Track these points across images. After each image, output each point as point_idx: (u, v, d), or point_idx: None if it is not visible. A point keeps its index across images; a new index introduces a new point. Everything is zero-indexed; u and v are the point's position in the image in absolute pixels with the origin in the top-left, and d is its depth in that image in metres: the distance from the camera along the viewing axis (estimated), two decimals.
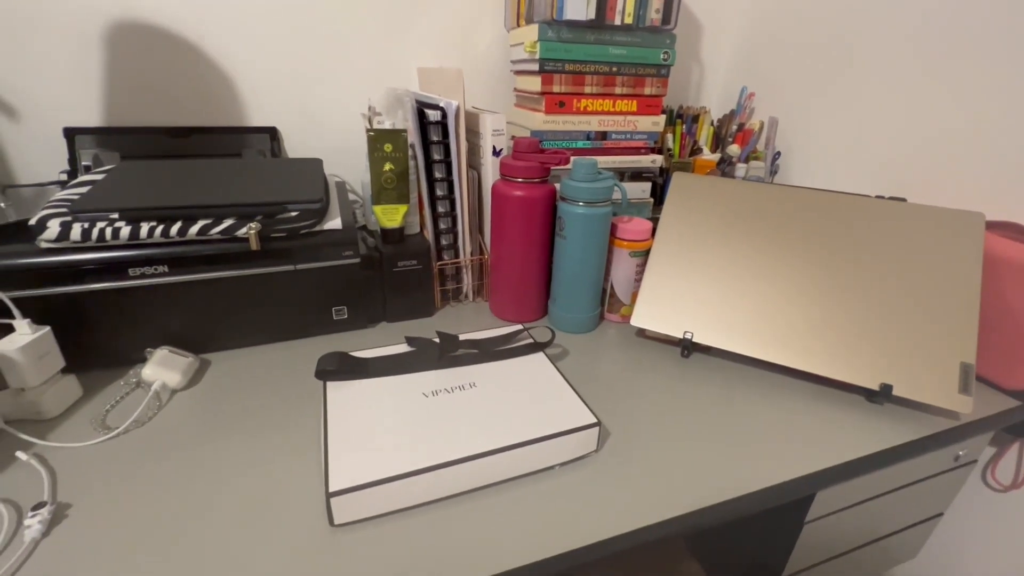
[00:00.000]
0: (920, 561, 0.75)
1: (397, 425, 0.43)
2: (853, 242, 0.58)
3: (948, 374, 0.51)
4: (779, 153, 0.90)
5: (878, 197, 0.59)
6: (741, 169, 0.86)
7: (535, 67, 0.71)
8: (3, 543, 0.35)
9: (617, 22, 0.70)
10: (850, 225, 0.59)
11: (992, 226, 0.61)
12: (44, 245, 0.48)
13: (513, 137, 0.67)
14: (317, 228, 0.57)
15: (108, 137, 0.70)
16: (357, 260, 0.60)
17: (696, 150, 0.91)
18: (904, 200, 0.59)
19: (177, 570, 0.34)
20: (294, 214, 0.56)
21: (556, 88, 0.72)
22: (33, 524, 0.36)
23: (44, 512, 0.36)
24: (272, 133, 0.78)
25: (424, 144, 0.64)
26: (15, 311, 0.45)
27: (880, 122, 0.76)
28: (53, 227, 0.48)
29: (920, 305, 0.54)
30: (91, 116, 0.70)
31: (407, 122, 0.63)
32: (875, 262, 0.56)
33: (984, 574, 0.69)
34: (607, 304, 0.70)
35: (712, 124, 0.92)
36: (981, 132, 0.65)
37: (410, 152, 0.63)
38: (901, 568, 0.77)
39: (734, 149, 0.86)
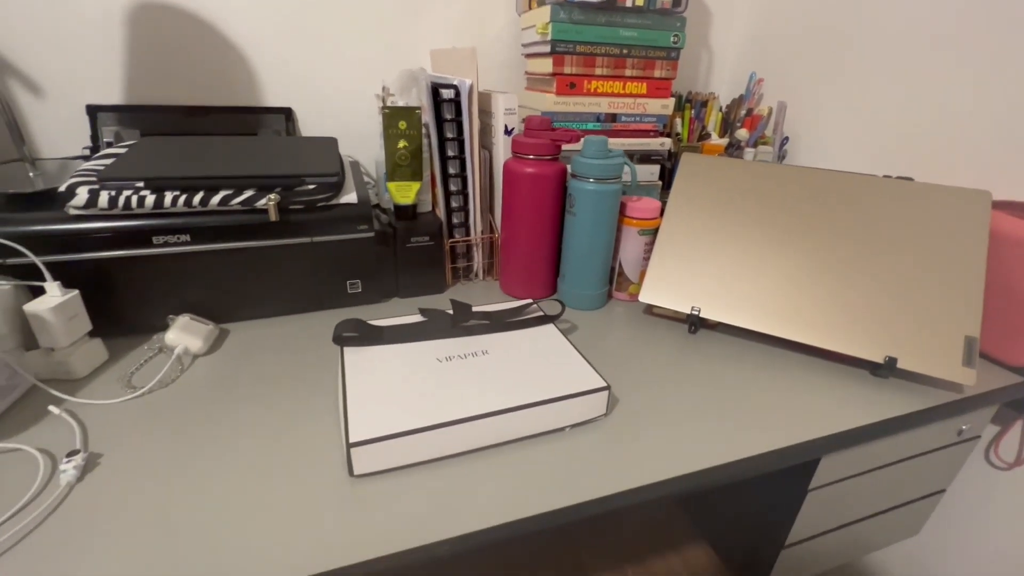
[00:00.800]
0: (921, 539, 0.76)
1: (413, 385, 0.44)
2: (859, 219, 0.59)
3: (952, 347, 0.52)
4: (787, 138, 0.91)
5: (885, 177, 0.60)
6: (749, 154, 0.87)
7: (546, 49, 0.72)
8: (40, 486, 0.37)
9: (628, 4, 0.71)
10: (856, 203, 0.59)
11: (999, 206, 0.62)
12: (73, 212, 0.50)
13: (524, 119, 0.68)
14: (333, 202, 0.59)
15: (129, 115, 0.72)
16: (372, 234, 0.61)
17: (704, 135, 0.91)
18: (911, 179, 0.59)
19: (204, 515, 0.36)
20: (311, 187, 0.57)
21: (567, 69, 0.73)
22: (68, 469, 0.37)
23: (78, 459, 0.38)
24: (287, 114, 0.80)
25: (437, 122, 0.65)
26: (46, 274, 0.47)
27: (888, 106, 0.77)
28: (82, 194, 0.49)
29: (926, 280, 0.54)
30: (113, 94, 0.72)
31: (421, 100, 0.65)
32: (881, 239, 0.57)
33: (986, 554, 0.70)
34: (615, 283, 0.71)
35: (720, 110, 0.92)
36: (989, 113, 0.65)
37: (424, 131, 0.65)
38: (903, 545, 0.78)
39: (742, 134, 0.87)
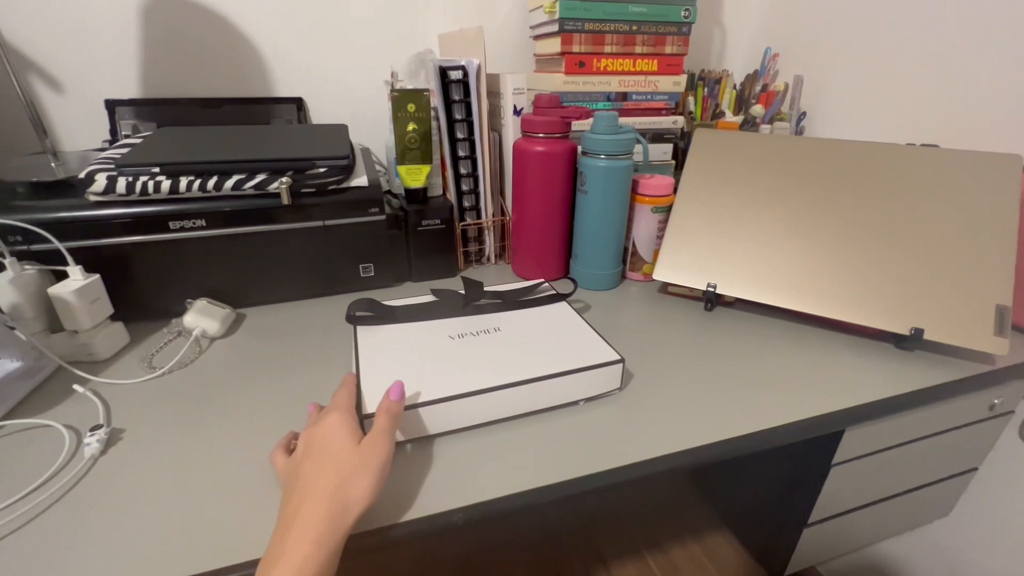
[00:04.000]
0: (953, 519, 0.73)
1: (425, 361, 0.44)
2: (881, 189, 0.57)
3: (983, 317, 0.50)
4: (804, 113, 0.89)
5: (908, 145, 0.58)
6: (765, 130, 0.85)
7: (554, 28, 0.72)
8: (65, 459, 0.38)
9: None
10: (878, 172, 0.57)
11: None
12: (92, 198, 0.51)
13: (533, 99, 0.67)
14: (344, 185, 0.59)
15: (145, 108, 0.73)
16: (383, 217, 0.61)
17: (718, 113, 0.89)
18: (936, 146, 0.57)
19: (222, 485, 0.36)
20: (322, 170, 0.58)
21: (576, 48, 0.72)
22: (92, 442, 0.38)
23: (101, 432, 0.39)
24: (298, 103, 0.80)
25: (446, 104, 0.65)
26: (69, 258, 0.48)
27: (909, 77, 0.74)
28: (100, 180, 0.51)
29: (953, 249, 0.52)
30: (130, 88, 0.74)
31: (429, 83, 0.64)
32: (905, 207, 0.55)
33: (1021, 537, 0.67)
34: (629, 263, 0.70)
35: (734, 87, 0.90)
36: (1015, 79, 0.63)
37: (432, 114, 0.64)
38: (933, 527, 0.76)
39: (758, 110, 0.85)
